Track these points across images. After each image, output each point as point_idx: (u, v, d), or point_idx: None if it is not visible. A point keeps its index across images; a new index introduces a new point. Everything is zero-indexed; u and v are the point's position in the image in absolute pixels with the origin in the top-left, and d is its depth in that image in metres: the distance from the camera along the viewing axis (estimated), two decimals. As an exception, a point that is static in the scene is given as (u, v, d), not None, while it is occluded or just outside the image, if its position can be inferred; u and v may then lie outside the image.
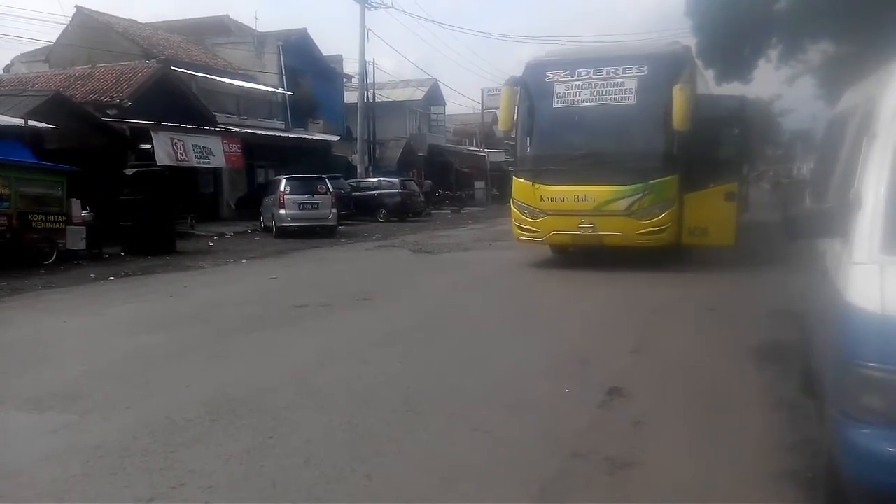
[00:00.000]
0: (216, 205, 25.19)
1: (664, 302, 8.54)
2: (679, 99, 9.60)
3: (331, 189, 20.03)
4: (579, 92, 10.71)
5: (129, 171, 16.57)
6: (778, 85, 59.10)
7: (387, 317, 7.94)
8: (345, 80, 35.80)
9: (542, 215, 10.92)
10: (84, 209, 14.26)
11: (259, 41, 29.85)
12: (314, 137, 29.64)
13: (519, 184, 11.34)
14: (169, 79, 22.39)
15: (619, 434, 4.15)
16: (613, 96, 10.53)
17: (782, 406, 4.59)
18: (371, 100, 33.63)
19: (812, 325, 3.80)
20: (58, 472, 3.70)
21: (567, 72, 10.89)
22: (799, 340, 4.73)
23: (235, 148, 23.15)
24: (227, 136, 23.14)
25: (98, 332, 7.51)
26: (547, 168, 10.92)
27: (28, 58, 28.42)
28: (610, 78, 10.57)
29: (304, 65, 30.87)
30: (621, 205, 10.24)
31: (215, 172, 24.67)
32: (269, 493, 3.44)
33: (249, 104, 27.96)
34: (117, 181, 16.00)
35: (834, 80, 19.62)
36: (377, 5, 29.95)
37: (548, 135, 11.16)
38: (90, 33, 25.09)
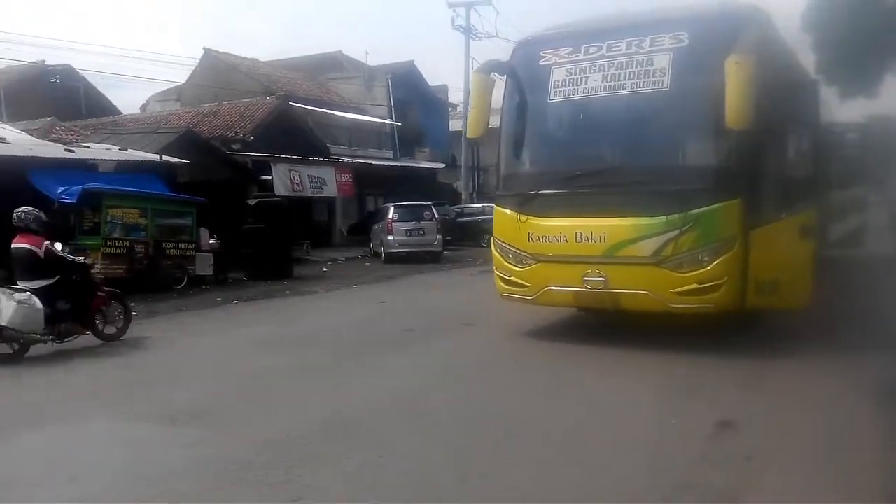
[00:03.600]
0: (329, 232, 26.33)
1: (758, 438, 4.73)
2: (737, 80, 6.02)
3: (436, 215, 20.50)
4: (586, 78, 7.02)
5: (251, 202, 17.66)
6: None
7: (489, 342, 8.06)
8: (450, 108, 36.62)
9: (531, 262, 7.25)
10: (211, 237, 15.34)
11: (369, 75, 31.14)
12: (420, 165, 30.46)
13: (500, 216, 7.69)
14: (287, 114, 23.74)
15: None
16: (636, 81, 6.78)
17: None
18: (476, 127, 34.08)
19: None
20: (192, 483, 4.05)
21: (569, 49, 7.19)
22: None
23: (347, 178, 24.20)
24: (340, 167, 24.23)
25: (225, 352, 8.07)
26: (536, 192, 7.23)
27: (162, 97, 30.93)
28: (632, 54, 6.83)
29: (412, 95, 31.88)
30: (646, 247, 6.53)
31: (328, 201, 25.80)
32: (381, 510, 3.64)
33: (360, 135, 29.15)
34: (241, 211, 17.10)
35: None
36: (481, 35, 30.46)
37: (538, 143, 7.75)
38: (216, 73, 27.07)
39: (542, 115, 7.59)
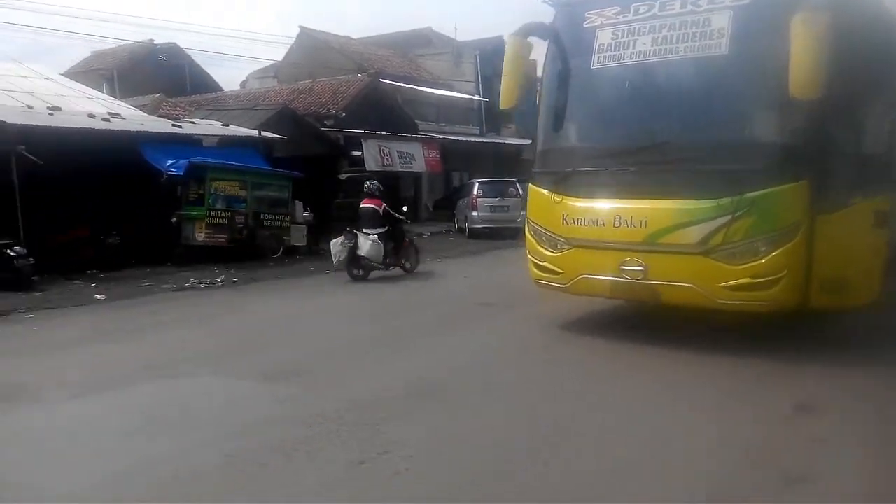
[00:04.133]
0: (415, 207, 26.86)
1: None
2: (804, 42, 5.22)
3: (521, 192, 20.58)
4: (634, 41, 6.32)
5: (342, 176, 18.31)
6: None
7: (568, 316, 8.20)
8: (538, 85, 36.23)
9: (565, 246, 6.67)
10: (305, 210, 16.07)
11: (458, 51, 31.28)
12: (506, 142, 30.45)
13: (535, 195, 7.11)
14: (377, 90, 24.29)
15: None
16: (690, 45, 6.02)
17: None
18: (564, 103, 33.69)
19: None
20: (285, 433, 4.46)
21: (617, 9, 6.51)
22: None
23: (434, 153, 24.60)
24: (427, 143, 24.65)
25: (317, 318, 8.60)
26: (572, 170, 6.66)
27: (260, 74, 32.18)
28: (686, 14, 6.09)
29: (500, 72, 31.72)
30: (692, 234, 5.84)
31: (415, 176, 26.30)
32: (459, 464, 3.94)
33: (447, 111, 29.42)
34: (333, 185, 17.75)
35: None
36: (573, 9, 30.00)
37: (577, 115, 6.97)
38: (311, 51, 27.92)
39: (584, 84, 6.77)
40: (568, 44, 6.83)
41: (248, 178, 14.65)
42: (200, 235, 13.87)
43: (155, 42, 29.66)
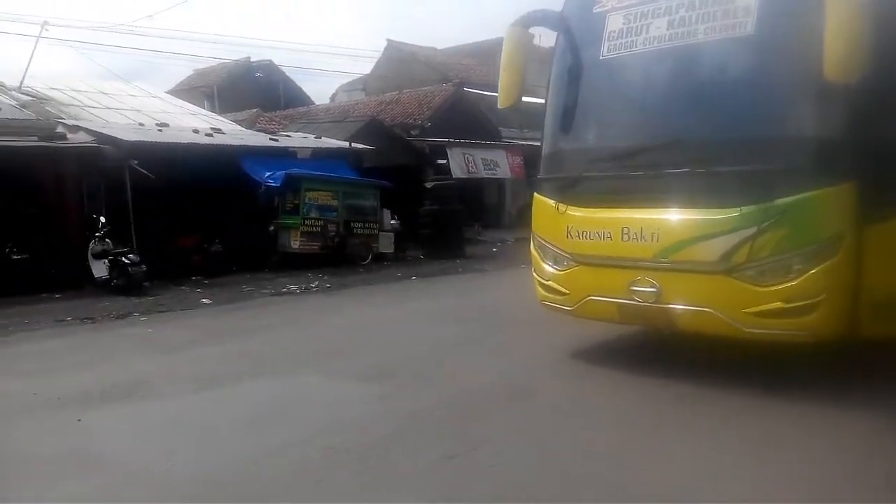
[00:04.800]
0: (499, 214, 27.03)
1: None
2: (839, 15, 4.37)
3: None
4: (647, 25, 5.47)
5: (428, 184, 18.73)
6: None
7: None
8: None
9: (571, 264, 5.82)
10: (392, 218, 16.57)
11: (540, 57, 31.20)
12: (592, 147, 30.19)
13: (539, 205, 6.21)
14: (462, 100, 24.66)
15: None
16: (711, 26, 5.15)
17: None
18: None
19: None
20: (381, 429, 4.75)
21: None
22: None
23: (518, 160, 24.69)
24: (511, 150, 24.78)
25: (405, 322, 8.92)
26: (578, 176, 5.83)
27: (348, 87, 33.25)
28: None
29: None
30: (712, 250, 4.95)
31: (499, 183, 26.47)
32: (549, 463, 4.10)
33: (530, 118, 29.42)
34: (419, 193, 18.20)
35: None
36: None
37: (584, 112, 6.00)
38: (398, 63, 28.64)
39: (591, 78, 5.89)
40: (577, 33, 6.03)
41: (340, 188, 15.28)
42: (296, 243, 14.58)
43: (252, 59, 31.19)
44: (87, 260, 12.07)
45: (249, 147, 15.51)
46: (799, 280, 4.70)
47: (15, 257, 11.89)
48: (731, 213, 4.85)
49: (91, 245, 12.07)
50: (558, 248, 5.93)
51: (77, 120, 14.82)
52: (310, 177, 14.88)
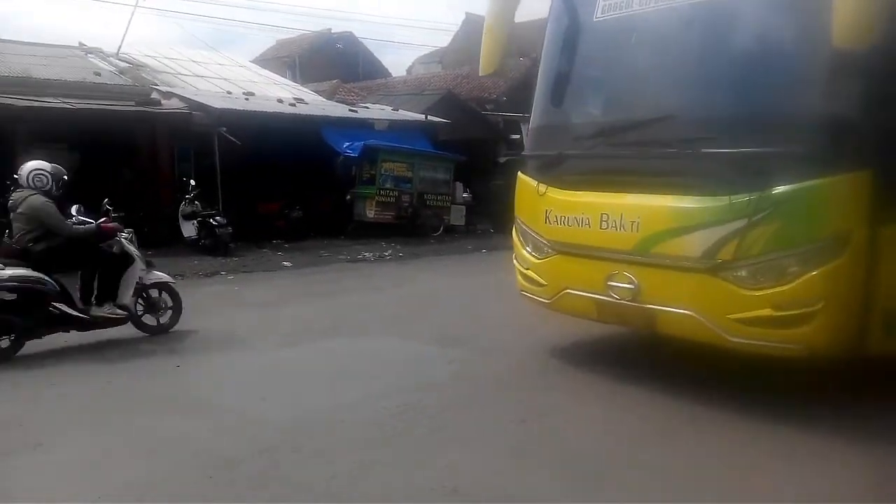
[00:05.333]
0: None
1: None
2: None
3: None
4: None
5: (501, 159, 18.82)
6: None
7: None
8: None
9: (550, 252, 5.20)
10: (464, 191, 16.79)
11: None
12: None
13: (522, 186, 5.52)
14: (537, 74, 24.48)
15: None
16: None
17: None
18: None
19: None
20: (456, 391, 5.03)
21: None
22: None
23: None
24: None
25: (474, 292, 9.13)
26: (557, 154, 5.15)
27: (425, 60, 33.47)
28: None
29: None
30: (694, 244, 4.29)
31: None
32: (611, 430, 4.27)
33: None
34: (492, 167, 18.33)
35: None
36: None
37: (571, 82, 5.29)
38: (476, 37, 28.45)
39: (582, 43, 5.18)
40: None
41: (415, 160, 15.60)
42: (371, 212, 15.02)
43: (332, 31, 31.75)
44: (178, 220, 12.80)
45: (330, 118, 15.96)
46: (793, 284, 3.96)
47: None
48: (719, 203, 4.13)
49: (181, 206, 12.80)
50: (538, 233, 5.26)
51: (170, 87, 15.57)
52: (386, 148, 15.24)
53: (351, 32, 31.58)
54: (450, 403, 4.74)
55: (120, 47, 17.59)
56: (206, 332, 6.79)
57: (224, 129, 13.44)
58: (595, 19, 5.05)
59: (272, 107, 15.46)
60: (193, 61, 19.17)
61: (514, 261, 5.73)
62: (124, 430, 4.36)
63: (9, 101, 12.05)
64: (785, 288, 3.99)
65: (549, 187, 5.10)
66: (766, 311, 4.04)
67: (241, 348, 6.26)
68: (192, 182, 13.04)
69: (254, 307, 8.14)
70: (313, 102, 17.59)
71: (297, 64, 29.58)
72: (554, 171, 5.14)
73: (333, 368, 5.66)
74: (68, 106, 12.37)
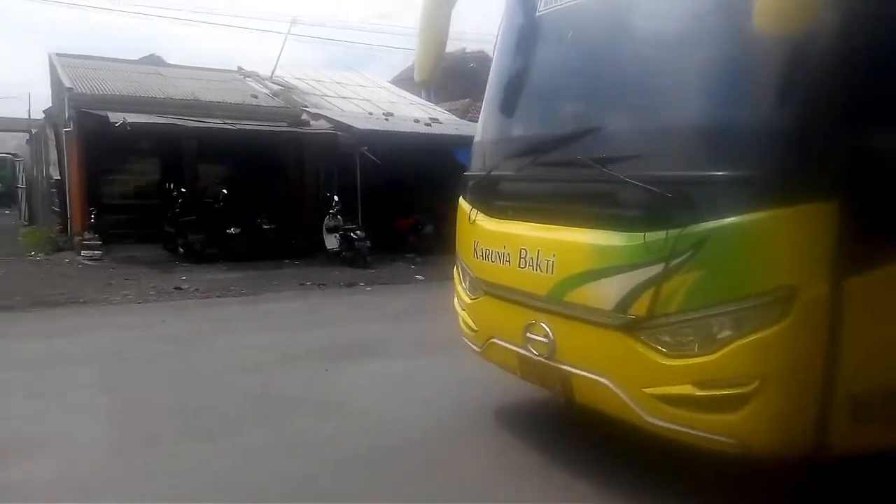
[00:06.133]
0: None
1: None
2: None
3: None
4: None
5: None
6: None
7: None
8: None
9: (479, 291, 4.33)
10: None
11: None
12: None
13: (460, 212, 4.59)
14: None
15: None
16: None
17: None
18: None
19: None
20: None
21: None
22: None
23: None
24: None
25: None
26: (484, 174, 4.29)
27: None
28: None
29: None
30: (606, 292, 3.27)
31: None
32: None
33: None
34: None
35: None
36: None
37: (509, 89, 4.40)
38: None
39: (524, 44, 4.31)
40: None
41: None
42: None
43: (466, 50, 32.53)
44: (321, 233, 13.75)
45: (463, 137, 16.45)
46: (718, 355, 2.92)
47: (265, 227, 13.83)
48: (634, 241, 3.13)
49: (325, 220, 13.74)
50: (469, 268, 4.43)
51: (317, 108, 16.73)
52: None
53: (483, 51, 32.15)
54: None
55: (273, 71, 19.10)
56: (350, 338, 7.32)
57: (366, 148, 14.27)
58: (537, 14, 4.13)
59: (409, 126, 16.21)
60: (337, 83, 20.45)
61: (455, 300, 4.78)
62: (283, 427, 4.84)
63: (180, 122, 13.47)
64: (708, 359, 2.95)
65: (479, 214, 4.26)
66: (687, 389, 3.00)
67: (383, 355, 6.72)
68: (336, 198, 13.94)
69: (391, 317, 8.64)
70: (447, 122, 18.22)
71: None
72: (484, 194, 4.28)
73: (464, 378, 5.94)
74: (230, 127, 13.63)
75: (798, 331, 2.81)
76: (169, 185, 14.77)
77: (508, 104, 4.38)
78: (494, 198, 4.19)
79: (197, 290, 10.54)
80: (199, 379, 5.95)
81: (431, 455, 4.29)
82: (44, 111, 21.08)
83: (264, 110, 15.62)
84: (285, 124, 14.79)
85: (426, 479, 3.96)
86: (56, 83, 16.55)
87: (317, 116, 15.75)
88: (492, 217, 4.15)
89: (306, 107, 16.55)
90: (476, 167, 4.48)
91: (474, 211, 4.29)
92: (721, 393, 2.92)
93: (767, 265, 2.85)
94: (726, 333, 2.91)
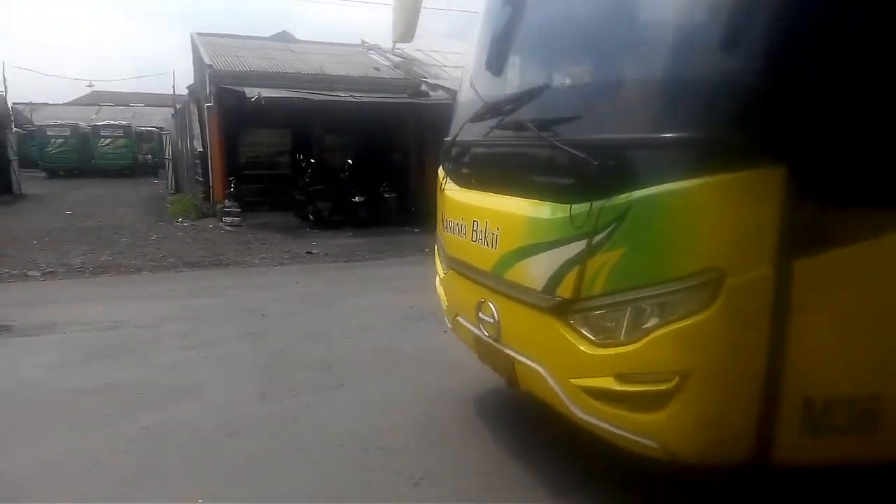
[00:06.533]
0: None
1: None
2: None
3: None
4: None
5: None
6: None
7: None
8: None
9: (447, 265, 4.10)
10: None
11: None
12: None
13: (438, 181, 4.25)
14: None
15: None
16: None
17: None
18: None
19: None
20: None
21: None
22: None
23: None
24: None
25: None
26: (450, 141, 3.97)
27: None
28: None
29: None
30: (536, 269, 2.95)
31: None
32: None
33: None
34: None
35: None
36: None
37: (481, 53, 3.94)
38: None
39: (493, 6, 3.97)
40: None
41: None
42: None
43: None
44: (440, 201, 14.18)
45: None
46: (638, 345, 2.55)
47: (387, 195, 14.44)
48: (560, 214, 2.80)
49: (443, 189, 14.13)
50: (440, 240, 4.26)
51: (436, 79, 17.06)
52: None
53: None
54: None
55: (394, 43, 19.58)
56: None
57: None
58: None
59: (525, 95, 16.20)
60: (454, 52, 20.66)
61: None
62: (405, 379, 5.23)
63: (308, 97, 14.24)
64: (630, 349, 2.58)
65: (447, 182, 4.03)
66: (609, 382, 2.66)
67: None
68: (453, 167, 14.28)
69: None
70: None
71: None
72: (447, 161, 4.09)
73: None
74: (354, 100, 14.25)
75: (727, 321, 2.37)
76: (298, 156, 15.70)
77: (473, 66, 4.06)
78: (456, 165, 3.99)
79: (326, 254, 11.27)
80: (331, 335, 6.48)
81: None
82: (187, 87, 22.82)
83: (386, 82, 16.15)
84: (405, 95, 15.24)
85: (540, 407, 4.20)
86: (197, 61, 17.88)
87: (435, 87, 16.09)
88: (455, 186, 3.93)
89: (426, 78, 16.93)
90: (451, 132, 4.07)
91: (444, 179, 4.09)
92: (641, 389, 2.57)
93: (694, 242, 2.41)
94: (651, 321, 2.51)
